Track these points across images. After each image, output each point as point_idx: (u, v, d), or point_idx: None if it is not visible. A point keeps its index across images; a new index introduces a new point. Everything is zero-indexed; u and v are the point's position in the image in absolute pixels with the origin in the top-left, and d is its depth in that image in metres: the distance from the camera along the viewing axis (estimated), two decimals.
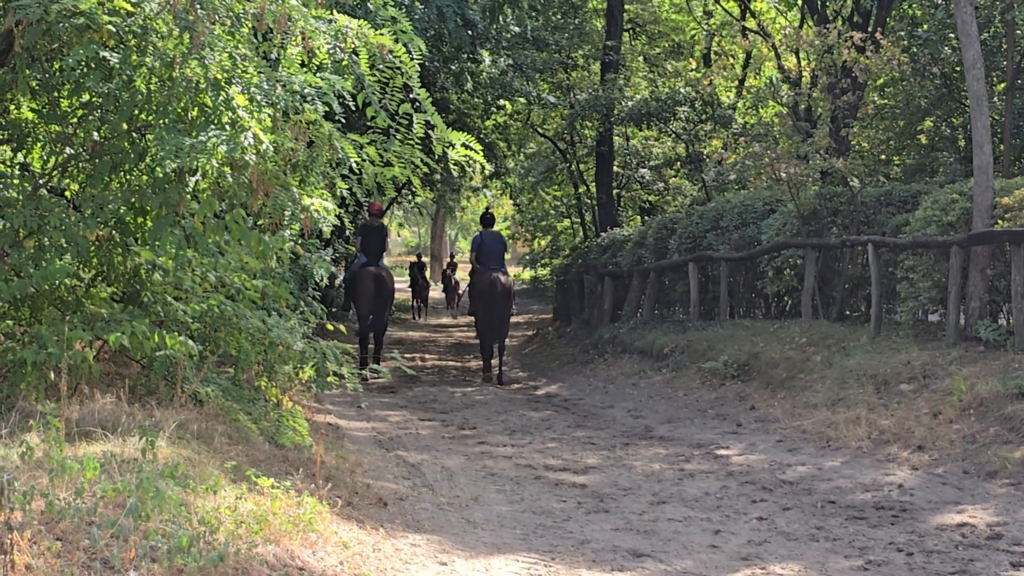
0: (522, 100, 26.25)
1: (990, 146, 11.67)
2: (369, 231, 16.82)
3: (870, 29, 18.28)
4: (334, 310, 21.22)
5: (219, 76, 6.51)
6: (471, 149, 8.00)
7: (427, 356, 21.74)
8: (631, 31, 29.31)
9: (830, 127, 17.69)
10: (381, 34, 7.47)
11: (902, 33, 20.18)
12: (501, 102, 26.08)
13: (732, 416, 11.78)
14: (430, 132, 7.96)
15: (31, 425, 5.53)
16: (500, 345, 16.76)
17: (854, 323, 13.66)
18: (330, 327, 10.47)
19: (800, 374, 12.11)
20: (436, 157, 8.37)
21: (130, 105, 6.67)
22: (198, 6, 6.34)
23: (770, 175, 16.37)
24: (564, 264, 28.11)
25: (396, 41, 7.54)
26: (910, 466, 8.61)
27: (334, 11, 7.70)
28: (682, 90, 24.62)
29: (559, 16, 26.47)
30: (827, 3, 21.53)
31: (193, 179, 6.75)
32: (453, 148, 7.97)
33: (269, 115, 6.88)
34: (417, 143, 8.15)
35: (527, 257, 40.20)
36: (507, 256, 17.47)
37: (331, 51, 7.30)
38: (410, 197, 35.45)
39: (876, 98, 22.57)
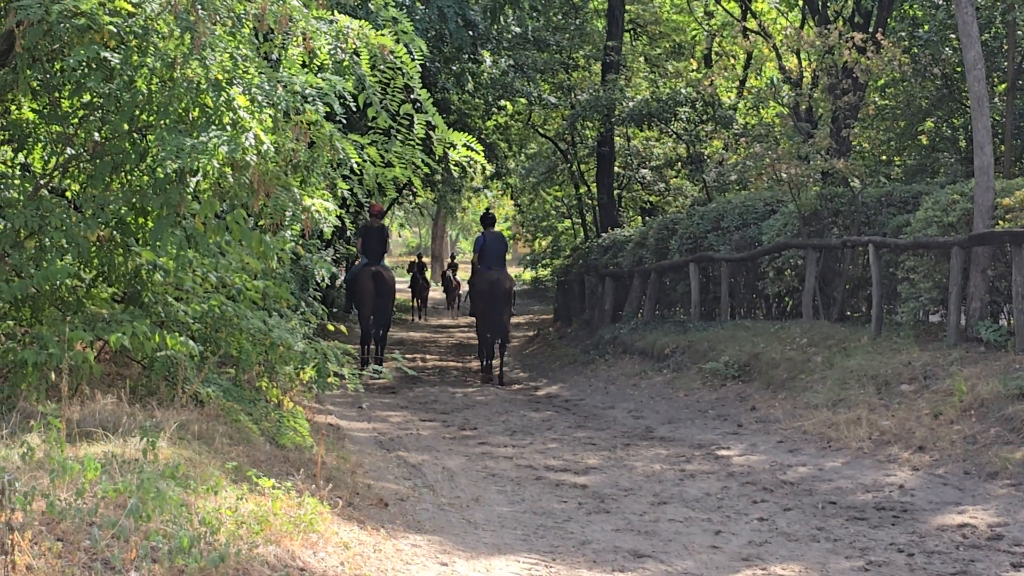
0: (523, 100, 26.26)
1: (991, 147, 11.67)
2: (370, 232, 16.82)
3: (871, 30, 18.30)
4: (335, 310, 21.22)
5: (220, 77, 6.51)
6: (472, 150, 8.00)
7: (428, 357, 21.74)
8: (632, 31, 29.32)
9: (831, 128, 17.69)
10: (382, 35, 7.47)
11: (903, 34, 20.18)
12: (502, 103, 26.09)
13: (733, 417, 11.78)
14: (431, 133, 7.96)
15: (32, 426, 5.54)
16: (502, 346, 16.77)
17: (855, 324, 13.66)
18: (331, 328, 10.47)
19: (801, 375, 12.10)
20: (437, 158, 8.37)
21: (131, 105, 6.67)
22: (199, 7, 6.34)
23: (771, 176, 16.36)
24: (565, 265, 28.10)
25: (397, 42, 7.54)
26: (911, 467, 8.61)
27: (335, 12, 7.71)
28: (683, 91, 24.63)
29: (560, 16, 26.46)
30: (828, 4, 21.53)
31: (194, 180, 6.75)
32: (454, 149, 7.97)
33: (270, 116, 6.88)
34: (418, 144, 8.15)
35: (528, 258, 40.20)
36: (508, 257, 17.48)
37: (332, 52, 7.30)
38: (411, 198, 35.48)
39: (877, 99, 22.58)
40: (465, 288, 31.16)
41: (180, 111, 6.67)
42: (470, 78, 21.95)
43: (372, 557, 5.55)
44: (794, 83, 18.98)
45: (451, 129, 8.08)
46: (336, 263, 21.25)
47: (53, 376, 6.51)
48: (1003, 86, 18.66)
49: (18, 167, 7.83)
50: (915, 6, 21.41)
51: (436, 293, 43.70)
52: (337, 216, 7.88)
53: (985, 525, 6.92)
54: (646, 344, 16.82)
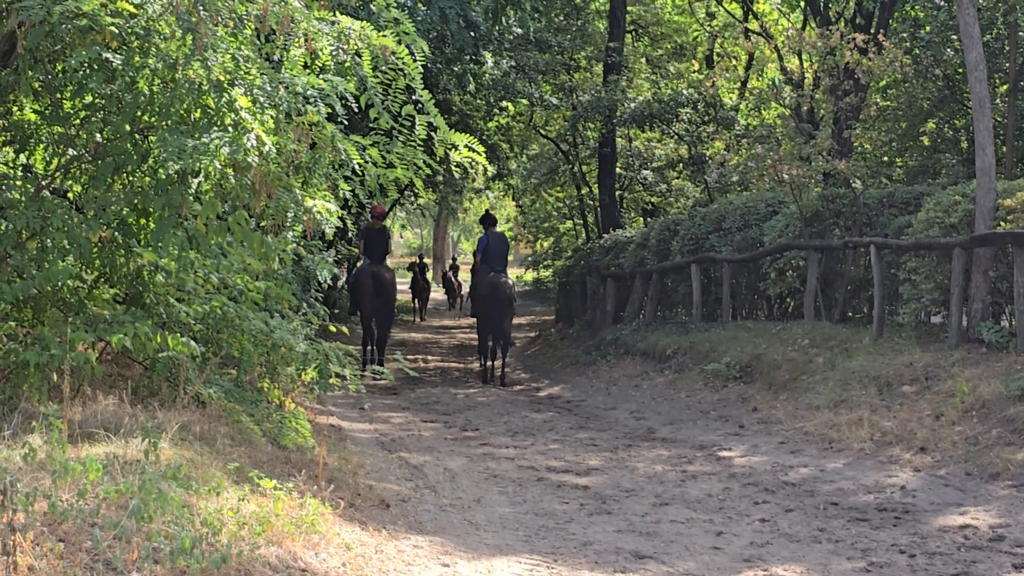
0: (525, 101, 26.27)
1: (992, 148, 11.67)
2: (371, 234, 16.84)
3: (872, 31, 18.31)
4: (336, 311, 21.23)
5: (222, 78, 6.51)
6: (474, 151, 8.00)
7: (429, 358, 21.74)
8: (634, 33, 29.34)
9: (832, 129, 17.70)
10: (384, 36, 7.48)
11: (904, 35, 20.18)
12: (504, 103, 26.10)
13: (734, 418, 11.78)
14: (433, 134, 7.96)
15: (34, 426, 5.54)
16: (504, 347, 16.77)
17: (856, 325, 13.66)
18: (333, 329, 10.47)
19: (802, 376, 12.10)
20: (439, 159, 8.37)
21: (133, 106, 6.68)
22: (201, 8, 6.34)
23: (772, 177, 16.36)
24: (566, 265, 28.11)
25: (399, 43, 7.54)
26: (912, 468, 8.60)
27: (337, 13, 7.70)
28: (685, 92, 24.63)
29: (562, 18, 26.48)
30: (830, 5, 21.53)
31: (196, 181, 6.75)
32: (456, 150, 7.98)
33: (272, 117, 6.88)
34: (420, 145, 8.15)
35: (530, 258, 40.23)
36: (510, 258, 17.50)
37: (334, 53, 7.30)
38: (413, 199, 35.48)
39: (878, 100, 22.59)
40: (466, 289, 31.18)
41: (182, 112, 6.67)
42: (472, 79, 21.95)
43: (374, 558, 5.55)
44: (796, 84, 18.99)
45: (453, 130, 8.09)
46: (338, 264, 21.25)
47: (55, 377, 6.51)
48: (1005, 87, 18.65)
49: (20, 168, 7.84)
50: (916, 7, 21.41)
51: (438, 294, 43.70)
52: (339, 217, 7.88)
53: (987, 526, 6.91)
54: (648, 345, 16.82)
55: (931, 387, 10.10)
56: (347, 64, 7.40)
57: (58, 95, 7.19)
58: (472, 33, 19.42)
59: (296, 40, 7.14)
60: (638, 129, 26.10)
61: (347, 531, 5.78)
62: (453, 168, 8.49)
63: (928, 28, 20.16)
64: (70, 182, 7.72)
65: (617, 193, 27.22)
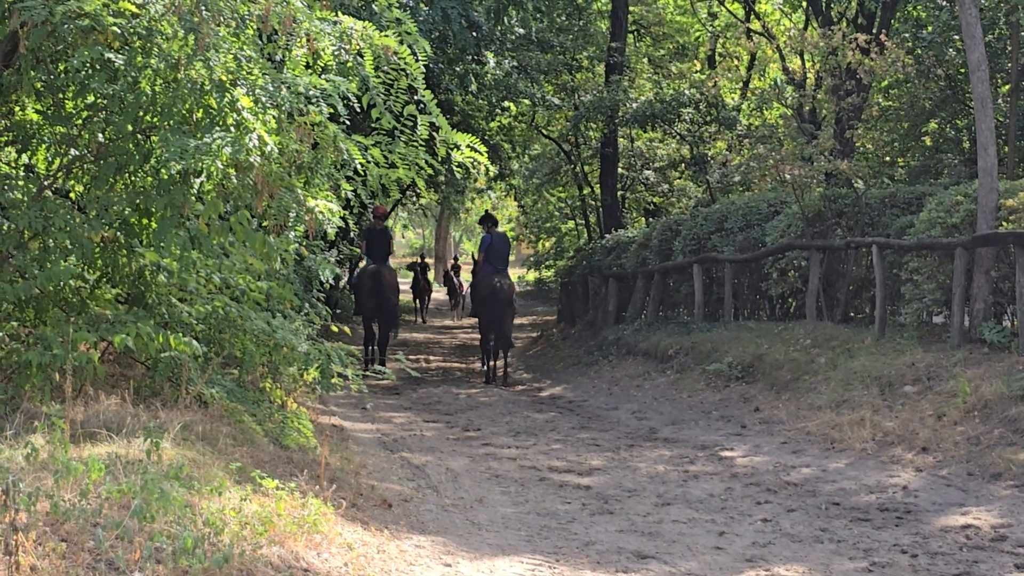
0: (527, 102, 26.27)
1: (995, 148, 11.66)
2: (373, 234, 16.86)
3: (874, 31, 18.29)
4: (339, 311, 21.22)
5: (224, 78, 6.51)
6: (476, 151, 8.00)
7: (431, 358, 21.75)
8: (636, 33, 29.33)
9: (834, 129, 17.69)
10: (386, 36, 7.48)
11: (906, 35, 20.18)
12: (506, 104, 26.10)
13: (736, 418, 11.77)
14: (435, 134, 7.96)
15: (36, 426, 5.54)
16: (506, 347, 16.79)
17: (858, 325, 13.65)
18: (335, 329, 10.48)
19: (804, 376, 12.10)
20: (440, 159, 8.37)
21: (135, 107, 6.68)
22: (203, 8, 6.34)
23: (774, 177, 16.36)
24: (568, 266, 28.11)
25: (401, 43, 7.54)
26: (914, 468, 8.60)
27: (339, 13, 7.70)
28: (686, 92, 24.64)
29: (564, 18, 26.48)
30: (831, 5, 21.53)
31: (198, 181, 6.74)
32: (458, 150, 7.98)
33: (274, 117, 6.88)
34: (422, 145, 8.15)
35: (531, 259, 40.24)
36: (512, 258, 17.53)
37: (336, 53, 7.30)
38: (415, 199, 35.49)
39: (880, 100, 22.58)
40: (468, 289, 31.17)
41: (184, 112, 6.67)
42: (474, 79, 21.96)
43: (376, 558, 5.56)
44: (798, 84, 18.99)
45: (455, 130, 8.08)
46: (340, 264, 21.26)
47: (57, 377, 6.51)
48: (1007, 87, 18.65)
49: (22, 168, 7.84)
50: (919, 7, 21.41)
51: (439, 294, 43.69)
52: (341, 217, 7.88)
53: (988, 526, 6.91)
54: (650, 345, 16.82)
55: (933, 387, 10.09)
56: (349, 64, 7.40)
57: (60, 95, 7.19)
58: (474, 33, 19.43)
59: (298, 40, 7.14)
60: (640, 129, 26.10)
61: (349, 531, 5.78)
62: (455, 168, 8.50)
63: (930, 28, 20.16)
64: (72, 182, 7.71)
65: (619, 193, 27.23)
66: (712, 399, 13.06)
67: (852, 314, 14.54)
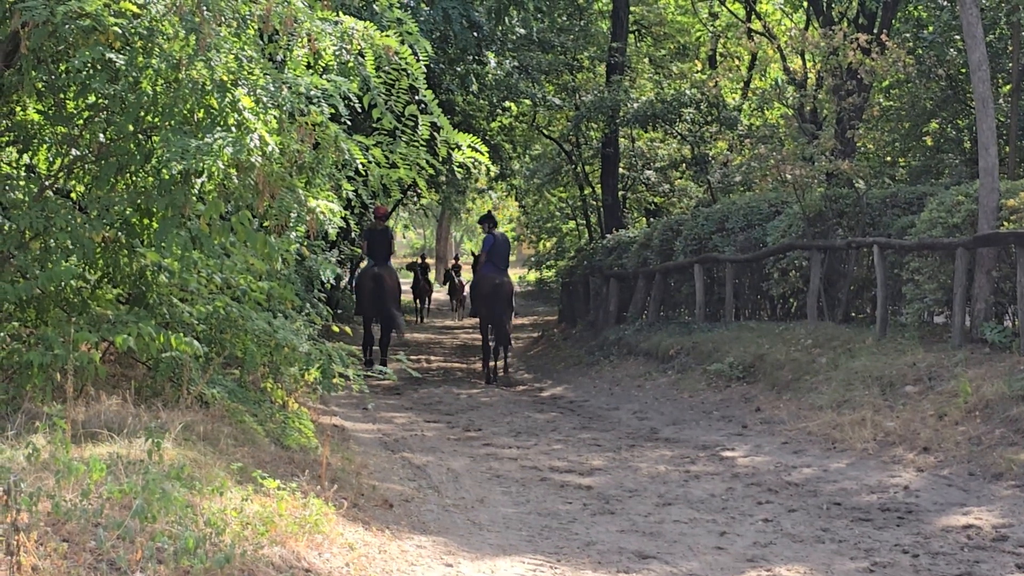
0: (528, 102, 26.29)
1: (996, 148, 11.66)
2: (374, 235, 16.85)
3: (875, 31, 18.29)
4: (340, 311, 21.22)
5: (225, 78, 6.51)
6: (477, 151, 8.00)
7: (432, 358, 21.74)
8: (637, 33, 29.34)
9: (835, 129, 17.68)
10: (387, 36, 7.48)
11: (907, 35, 20.18)
12: (507, 104, 26.11)
13: (738, 418, 11.77)
14: (436, 134, 7.96)
15: (37, 427, 5.54)
16: (505, 346, 16.82)
17: (859, 325, 13.65)
18: (336, 329, 10.48)
19: (805, 376, 12.10)
20: (442, 159, 8.37)
21: (136, 107, 6.68)
22: (204, 8, 6.34)
23: (775, 177, 16.36)
24: (569, 266, 28.11)
25: (402, 43, 7.54)
26: (915, 468, 8.60)
27: (340, 13, 7.70)
28: (687, 92, 24.64)
29: (565, 18, 26.49)
30: (832, 5, 21.53)
31: (199, 181, 6.75)
32: (459, 150, 7.98)
33: (275, 117, 6.88)
34: (423, 145, 8.15)
35: (532, 259, 40.24)
36: (512, 258, 17.57)
37: (337, 53, 7.30)
38: (416, 199, 35.49)
39: (881, 100, 22.58)
40: (468, 289, 31.18)
41: (185, 112, 6.68)
42: (475, 79, 21.97)
43: (377, 558, 5.56)
44: (798, 84, 18.99)
45: (456, 130, 8.09)
46: (341, 264, 21.26)
47: (58, 377, 6.52)
48: (1008, 87, 18.65)
49: (23, 168, 7.84)
50: (919, 7, 21.41)
51: (440, 295, 43.69)
52: (342, 217, 7.88)
53: (990, 526, 6.91)
54: (651, 345, 16.82)
55: (934, 387, 10.09)
56: (350, 64, 7.40)
57: (61, 95, 7.19)
58: (475, 33, 19.44)
59: (299, 40, 7.14)
60: (641, 129, 26.10)
61: (350, 531, 5.78)
62: (456, 168, 8.50)
63: (931, 28, 20.16)
64: (73, 182, 7.72)
65: (620, 193, 27.23)
66: (713, 399, 13.06)
67: (853, 314, 14.54)
